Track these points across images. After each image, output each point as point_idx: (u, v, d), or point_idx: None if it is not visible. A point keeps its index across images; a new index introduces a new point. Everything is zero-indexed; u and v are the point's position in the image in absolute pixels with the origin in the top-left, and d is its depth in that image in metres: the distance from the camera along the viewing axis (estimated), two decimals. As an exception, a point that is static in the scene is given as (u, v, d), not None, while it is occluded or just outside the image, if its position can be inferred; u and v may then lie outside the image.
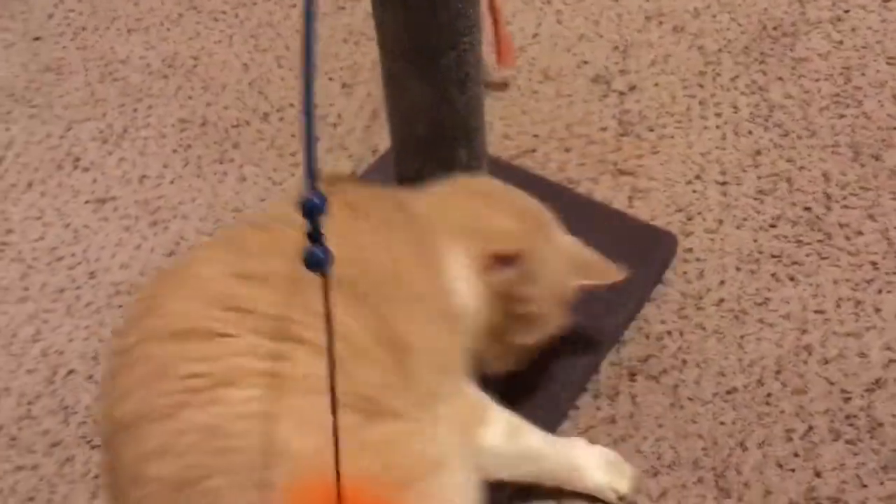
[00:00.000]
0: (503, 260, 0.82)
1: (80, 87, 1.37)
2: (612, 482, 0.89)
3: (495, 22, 1.22)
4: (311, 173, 0.48)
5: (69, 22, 1.48)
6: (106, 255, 1.15)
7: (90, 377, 1.03)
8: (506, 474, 0.86)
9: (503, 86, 1.28)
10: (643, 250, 1.05)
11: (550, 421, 0.93)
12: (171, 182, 1.23)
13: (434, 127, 0.85)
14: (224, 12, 1.47)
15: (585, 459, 0.90)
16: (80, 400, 1.01)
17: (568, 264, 0.90)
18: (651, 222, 1.11)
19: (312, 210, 0.48)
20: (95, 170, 1.26)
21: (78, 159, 1.27)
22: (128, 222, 1.19)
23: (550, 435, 0.90)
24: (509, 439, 0.84)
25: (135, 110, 1.33)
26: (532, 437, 0.87)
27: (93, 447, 0.97)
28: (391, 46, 0.81)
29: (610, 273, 0.91)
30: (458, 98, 0.83)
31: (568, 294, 0.90)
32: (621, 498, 0.89)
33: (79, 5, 1.51)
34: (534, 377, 0.95)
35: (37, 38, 1.46)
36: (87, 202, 1.22)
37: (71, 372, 1.04)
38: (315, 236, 0.49)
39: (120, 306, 1.09)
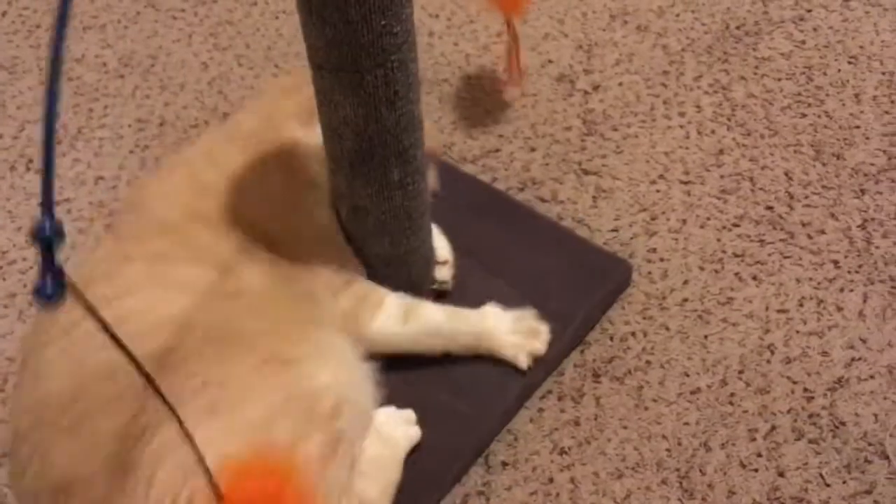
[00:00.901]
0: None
1: (34, 87, 1.34)
2: (523, 344, 0.94)
3: (515, 50, 1.22)
4: (49, 202, 0.47)
5: (23, 20, 1.45)
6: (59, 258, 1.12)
7: (42, 384, 1.00)
8: (410, 351, 0.92)
9: (506, 104, 1.27)
10: (593, 278, 1.02)
11: (481, 437, 0.93)
12: (128, 183, 1.20)
13: (363, 144, 0.83)
14: (183, 10, 1.45)
15: (495, 324, 0.94)
16: (32, 408, 0.98)
17: None
18: (613, 230, 1.11)
19: (48, 240, 0.46)
20: (49, 171, 1.23)
21: (31, 160, 1.24)
22: (82, 224, 1.16)
23: (454, 308, 0.94)
24: (405, 322, 0.91)
25: (90, 110, 1.30)
26: (430, 314, 0.92)
27: (45, 457, 0.94)
28: (318, 61, 0.79)
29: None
30: (387, 116, 0.81)
31: None
32: (535, 360, 0.94)
33: (33, 3, 1.47)
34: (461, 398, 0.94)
35: (-11, 37, 1.42)
36: (40, 204, 1.19)
37: (22, 379, 1.01)
38: (49, 266, 0.47)
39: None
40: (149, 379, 0.57)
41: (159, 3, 1.46)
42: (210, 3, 1.46)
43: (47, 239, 0.47)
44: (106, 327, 0.53)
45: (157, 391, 0.57)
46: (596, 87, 1.28)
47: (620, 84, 1.28)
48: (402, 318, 0.92)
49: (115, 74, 1.35)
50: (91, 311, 0.51)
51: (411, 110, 0.83)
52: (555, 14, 1.39)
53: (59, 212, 1.17)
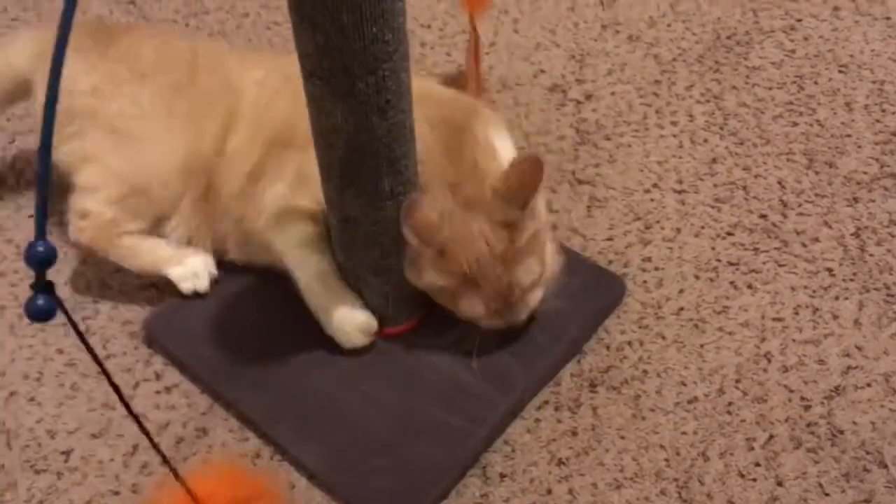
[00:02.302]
0: None
1: (24, 98, 1.33)
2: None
3: (475, 61, 1.22)
4: (42, 222, 0.47)
5: (10, 27, 1.44)
6: (50, 270, 1.11)
7: (32, 399, 0.99)
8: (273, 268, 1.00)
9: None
10: (586, 294, 1.01)
11: (471, 450, 0.92)
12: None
13: (354, 153, 0.83)
14: (175, 21, 1.44)
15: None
16: (23, 423, 0.97)
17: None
18: (607, 240, 1.11)
19: (41, 261, 0.47)
20: (39, 183, 1.21)
21: (21, 172, 1.23)
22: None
23: (331, 286, 0.97)
24: (303, 262, 0.96)
25: (81, 121, 1.29)
26: (313, 279, 0.96)
27: (36, 472, 0.93)
28: (309, 67, 0.79)
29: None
30: (378, 124, 0.81)
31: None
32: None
33: (23, 14, 1.46)
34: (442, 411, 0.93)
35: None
36: (30, 216, 1.18)
37: (13, 394, 1.00)
38: (42, 286, 0.48)
39: (65, 324, 1.05)
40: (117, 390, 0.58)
41: (151, 14, 1.46)
42: (202, 14, 1.45)
43: (41, 260, 0.48)
44: (86, 343, 0.55)
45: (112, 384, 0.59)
46: (588, 97, 1.28)
47: (613, 93, 1.29)
48: (306, 253, 0.96)
49: (105, 85, 1.34)
50: (74, 327, 0.52)
51: (402, 120, 0.83)
52: (546, 24, 1.39)
53: (48, 223, 1.16)
